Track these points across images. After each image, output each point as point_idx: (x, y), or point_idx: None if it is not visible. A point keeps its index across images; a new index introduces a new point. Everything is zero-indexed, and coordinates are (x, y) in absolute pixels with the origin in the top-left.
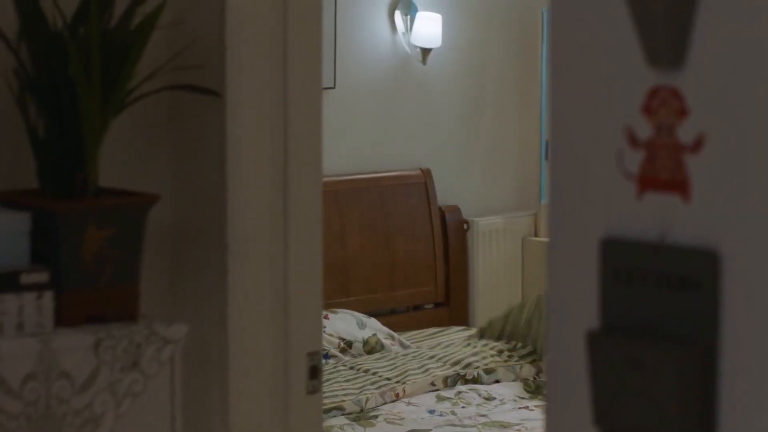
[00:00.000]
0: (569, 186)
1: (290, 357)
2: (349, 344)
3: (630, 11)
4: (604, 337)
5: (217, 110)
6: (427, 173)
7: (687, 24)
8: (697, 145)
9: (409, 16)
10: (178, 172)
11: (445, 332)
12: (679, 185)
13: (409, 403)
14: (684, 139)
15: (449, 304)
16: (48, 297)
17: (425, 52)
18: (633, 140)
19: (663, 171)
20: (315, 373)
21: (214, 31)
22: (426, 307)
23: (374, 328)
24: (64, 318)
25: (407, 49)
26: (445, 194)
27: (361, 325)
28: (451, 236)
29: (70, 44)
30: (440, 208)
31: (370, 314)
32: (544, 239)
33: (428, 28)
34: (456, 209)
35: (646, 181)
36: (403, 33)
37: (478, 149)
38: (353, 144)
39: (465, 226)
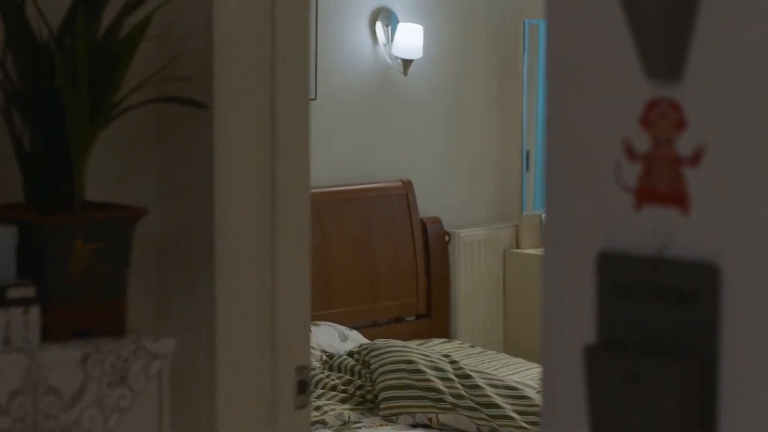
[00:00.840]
0: (566, 199)
1: (278, 372)
2: (331, 357)
3: (628, 23)
4: (602, 351)
5: (205, 122)
6: (408, 185)
7: (685, 36)
8: (696, 157)
9: (390, 27)
10: (165, 184)
11: (427, 344)
12: (677, 198)
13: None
14: (683, 152)
15: (431, 316)
16: (35, 312)
17: (406, 63)
18: (631, 153)
19: (661, 183)
20: (303, 387)
21: (202, 43)
22: (408, 319)
23: (356, 340)
24: (51, 333)
25: (388, 60)
26: (426, 206)
27: (343, 338)
28: (433, 248)
29: (57, 55)
30: (422, 220)
31: (352, 326)
32: (525, 251)
33: (409, 39)
34: (437, 221)
35: (644, 193)
36: (384, 44)
37: (460, 161)
38: (334, 155)
39: (446, 237)
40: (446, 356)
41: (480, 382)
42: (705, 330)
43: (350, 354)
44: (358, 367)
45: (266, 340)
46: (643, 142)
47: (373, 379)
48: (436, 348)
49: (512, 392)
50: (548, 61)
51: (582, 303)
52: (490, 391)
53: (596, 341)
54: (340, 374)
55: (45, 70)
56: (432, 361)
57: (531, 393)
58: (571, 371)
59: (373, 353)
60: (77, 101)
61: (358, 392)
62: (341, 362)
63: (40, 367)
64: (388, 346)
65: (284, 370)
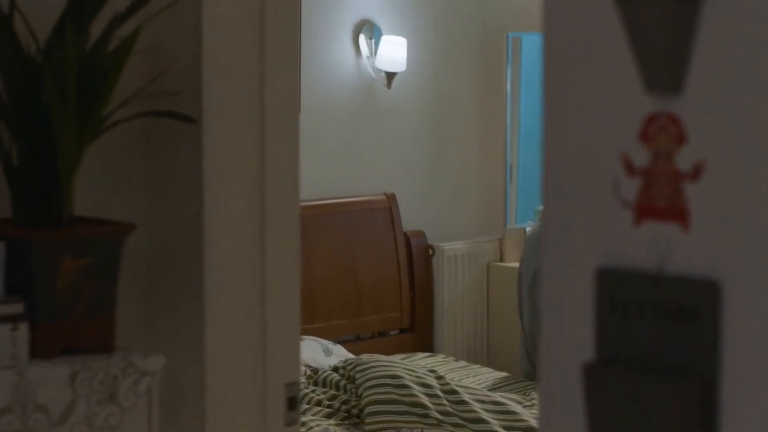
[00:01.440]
0: (563, 215)
1: (268, 388)
2: (316, 371)
3: (626, 35)
4: (601, 369)
5: (194, 137)
6: (391, 198)
7: (685, 48)
8: (697, 172)
9: (373, 40)
10: (154, 200)
11: (411, 358)
12: (677, 214)
13: None
14: (683, 167)
15: (415, 330)
16: (23, 329)
17: (390, 76)
18: (629, 168)
19: (661, 199)
20: (293, 404)
21: (191, 57)
22: (391, 333)
23: (340, 355)
24: (39, 350)
25: (372, 73)
26: (409, 219)
27: (328, 352)
28: (416, 261)
29: (45, 69)
30: (405, 234)
31: (336, 341)
32: (509, 264)
33: (393, 52)
34: (421, 234)
35: (644, 209)
36: (367, 57)
37: (443, 174)
38: (317, 169)
39: (430, 251)
40: (432, 371)
41: (466, 397)
42: (705, 348)
43: (335, 369)
44: (343, 382)
45: (256, 356)
46: (642, 157)
47: (359, 394)
48: (420, 362)
49: (499, 407)
50: (545, 75)
51: (580, 320)
52: (476, 406)
53: (595, 359)
54: (325, 389)
55: (33, 84)
56: (418, 377)
57: (518, 408)
58: (569, 389)
59: (358, 368)
60: (66, 115)
61: (344, 407)
62: (326, 377)
63: (28, 384)
64: (374, 361)
65: (274, 386)
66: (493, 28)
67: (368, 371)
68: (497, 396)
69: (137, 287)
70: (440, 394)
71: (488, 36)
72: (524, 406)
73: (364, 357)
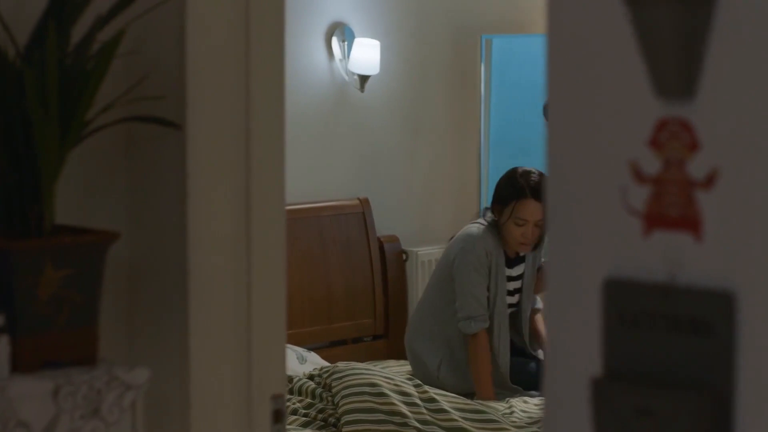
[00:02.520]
0: (569, 224)
1: (253, 401)
2: (290, 380)
3: (636, 37)
4: (610, 384)
5: (177, 142)
6: (365, 202)
7: (698, 51)
8: (710, 180)
9: (346, 43)
10: (135, 208)
11: (384, 365)
12: (690, 223)
13: None
14: (695, 175)
15: (388, 337)
16: (4, 342)
17: (363, 79)
18: (638, 175)
19: (672, 208)
20: (279, 417)
21: (174, 61)
22: (365, 339)
23: (315, 362)
24: (20, 364)
25: (345, 76)
26: (383, 224)
27: (302, 360)
28: (390, 267)
29: (26, 73)
30: (378, 239)
31: (309, 348)
32: None
33: (366, 55)
34: (395, 239)
35: (654, 218)
36: (340, 60)
37: (417, 178)
38: (290, 173)
39: (404, 256)
40: (410, 379)
41: (446, 405)
42: (720, 362)
43: (311, 377)
44: (319, 390)
45: (241, 368)
46: (652, 164)
47: (335, 402)
48: (393, 369)
49: (479, 416)
50: (548, 78)
51: (588, 333)
52: (456, 415)
53: (603, 373)
54: (300, 397)
55: (12, 89)
56: (396, 384)
57: (498, 416)
58: (576, 405)
59: (334, 376)
60: (47, 121)
61: (320, 416)
62: (302, 385)
63: (10, 399)
64: (350, 369)
65: (260, 399)
66: (467, 30)
67: (345, 379)
68: (476, 404)
69: (118, 298)
70: (419, 402)
71: (462, 38)
72: (503, 414)
73: (341, 365)
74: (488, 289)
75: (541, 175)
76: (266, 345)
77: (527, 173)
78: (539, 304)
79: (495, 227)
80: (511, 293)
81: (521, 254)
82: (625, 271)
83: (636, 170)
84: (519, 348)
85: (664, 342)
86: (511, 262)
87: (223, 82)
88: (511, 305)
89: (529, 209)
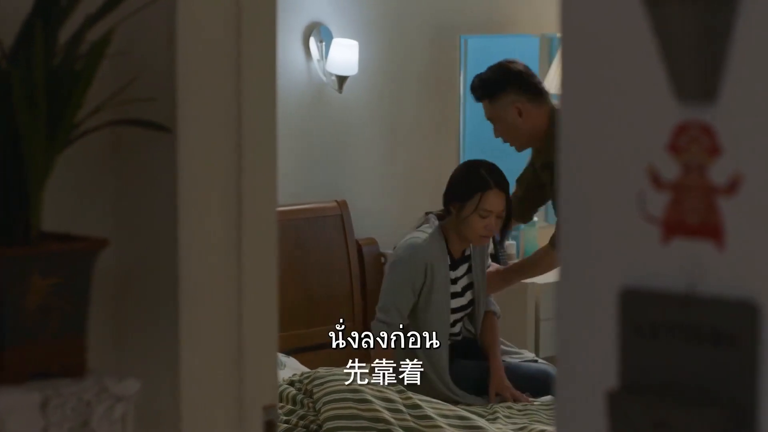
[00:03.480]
0: (583, 231)
1: (245, 411)
2: None
3: (655, 37)
4: (627, 397)
5: (167, 146)
6: (343, 205)
7: (720, 52)
8: (733, 186)
9: (324, 43)
10: (123, 214)
11: None
12: (711, 230)
13: None
14: (717, 180)
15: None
16: None
17: (341, 79)
18: (657, 181)
19: (692, 215)
20: (270, 427)
21: (164, 61)
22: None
23: (294, 367)
24: (7, 375)
25: (322, 77)
26: (361, 227)
27: (281, 365)
28: (369, 270)
29: (12, 74)
30: (357, 242)
31: (288, 352)
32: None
33: (344, 56)
34: (373, 242)
35: (673, 225)
36: (318, 60)
37: (395, 180)
38: None
39: (382, 259)
40: (392, 384)
41: (430, 412)
42: (742, 375)
43: (291, 383)
44: (300, 397)
45: (233, 378)
46: (671, 170)
47: (317, 409)
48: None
49: (464, 422)
50: (563, 80)
51: (603, 344)
52: (441, 421)
53: (620, 386)
54: (281, 404)
55: None
56: (379, 390)
57: (483, 422)
58: (591, 419)
59: (315, 381)
60: (35, 124)
61: (301, 423)
62: (282, 391)
63: None
64: (331, 375)
65: (251, 409)
66: (446, 30)
67: (326, 385)
68: (461, 410)
69: (105, 306)
70: (403, 408)
71: (442, 38)
72: (488, 420)
73: (321, 370)
74: (429, 301)
75: (496, 166)
76: (258, 354)
77: (487, 165)
78: (495, 307)
79: (441, 231)
80: (459, 294)
81: (467, 253)
82: (643, 281)
83: (654, 176)
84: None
85: (683, 354)
86: (455, 263)
87: (215, 84)
88: (464, 307)
89: (495, 200)
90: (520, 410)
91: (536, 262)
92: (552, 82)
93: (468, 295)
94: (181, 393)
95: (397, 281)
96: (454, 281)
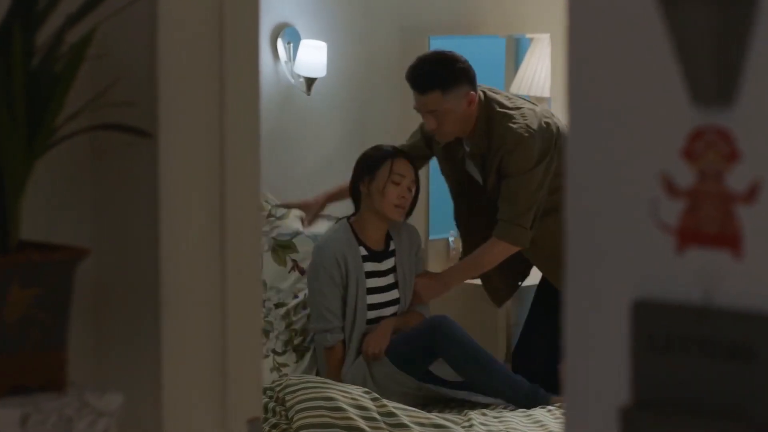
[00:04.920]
0: (592, 241)
1: (229, 425)
2: None
3: (670, 39)
4: (640, 413)
5: (148, 152)
6: None
7: (738, 54)
8: (752, 193)
9: (292, 45)
10: (103, 222)
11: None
12: (728, 239)
13: None
14: (735, 187)
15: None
16: None
17: (309, 81)
18: (670, 188)
19: (709, 223)
20: None
21: (144, 64)
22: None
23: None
24: None
25: (290, 78)
26: None
27: None
28: None
29: None
30: None
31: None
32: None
33: (313, 57)
34: None
35: (688, 234)
36: (285, 62)
37: None
38: None
39: None
40: (367, 392)
41: (405, 420)
42: (761, 389)
43: (263, 390)
44: (272, 405)
45: (216, 391)
46: (685, 176)
47: (289, 417)
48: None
49: (440, 430)
50: (569, 82)
51: (614, 358)
52: (416, 429)
53: (632, 401)
54: None
55: None
56: (353, 398)
57: (458, 430)
58: None
59: (287, 389)
60: (13, 129)
61: (274, 431)
62: None
63: None
64: (304, 382)
65: (235, 422)
66: (415, 31)
67: (299, 393)
68: (436, 418)
69: (84, 318)
70: (377, 416)
71: (411, 39)
72: (463, 427)
73: (293, 378)
74: (347, 294)
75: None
76: (242, 366)
77: (388, 145)
78: (426, 311)
79: (350, 225)
80: (383, 289)
81: (391, 248)
82: (656, 292)
83: (668, 182)
84: None
85: (699, 368)
86: (379, 256)
87: (197, 87)
88: (390, 302)
89: (405, 166)
90: (495, 417)
91: (479, 259)
92: (520, 82)
93: (394, 293)
94: (163, 406)
95: (318, 284)
96: (379, 274)
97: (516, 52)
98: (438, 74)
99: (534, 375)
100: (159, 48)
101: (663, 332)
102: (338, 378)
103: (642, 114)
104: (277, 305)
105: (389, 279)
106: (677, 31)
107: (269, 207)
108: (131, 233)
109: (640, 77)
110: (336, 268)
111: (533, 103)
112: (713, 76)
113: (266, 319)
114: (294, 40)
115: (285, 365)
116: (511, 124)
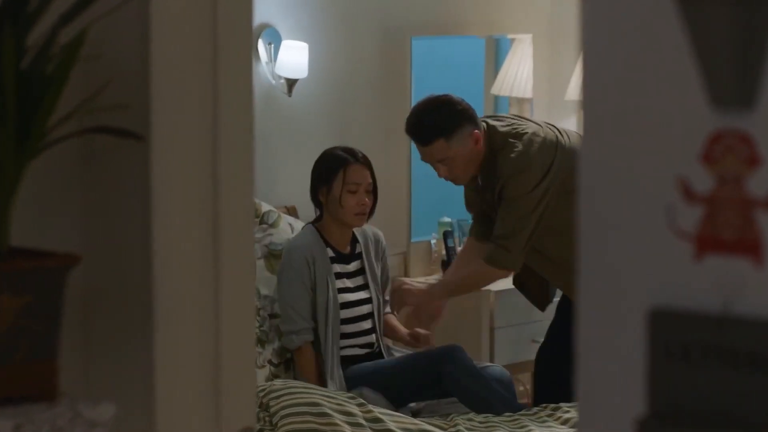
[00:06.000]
0: (606, 248)
1: None
2: None
3: (688, 40)
4: (657, 424)
5: (140, 155)
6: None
7: (759, 56)
8: None
9: (273, 45)
10: (93, 227)
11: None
12: (748, 246)
13: None
14: (756, 193)
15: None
16: None
17: (290, 82)
18: (688, 194)
19: (728, 230)
20: None
21: (137, 66)
22: None
23: None
24: None
25: (271, 79)
26: None
27: None
28: None
29: None
30: None
31: None
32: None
33: (294, 58)
34: None
35: (706, 241)
36: (266, 63)
37: None
38: None
39: None
40: (352, 398)
41: (392, 425)
42: None
43: None
44: (256, 410)
45: (210, 400)
46: (704, 181)
47: (274, 423)
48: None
49: None
50: (584, 84)
51: (630, 368)
52: None
53: (649, 412)
54: None
55: None
56: (338, 404)
57: None
58: None
59: (272, 395)
60: (4, 132)
61: None
62: None
63: None
64: (288, 388)
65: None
66: (397, 32)
67: (283, 398)
68: (423, 423)
69: (73, 326)
70: (363, 422)
71: (393, 40)
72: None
73: (278, 383)
74: (317, 294)
75: (352, 147)
76: (236, 374)
77: (342, 147)
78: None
79: (315, 229)
80: (353, 290)
81: (357, 250)
82: (674, 300)
83: (686, 188)
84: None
85: (718, 378)
86: (347, 258)
87: (190, 90)
88: (363, 300)
89: (360, 172)
90: (481, 422)
91: (469, 281)
92: (501, 83)
93: (362, 294)
94: (156, 415)
95: (286, 287)
96: (348, 275)
97: (496, 52)
98: (437, 122)
99: (556, 384)
100: (152, 49)
101: (680, 341)
102: (313, 379)
103: (658, 117)
104: (272, 316)
105: (358, 281)
106: (696, 31)
107: (261, 212)
108: (123, 238)
109: (657, 79)
110: (305, 267)
111: (536, 123)
112: (733, 78)
113: (261, 328)
114: (275, 40)
115: (278, 376)
116: (512, 155)
